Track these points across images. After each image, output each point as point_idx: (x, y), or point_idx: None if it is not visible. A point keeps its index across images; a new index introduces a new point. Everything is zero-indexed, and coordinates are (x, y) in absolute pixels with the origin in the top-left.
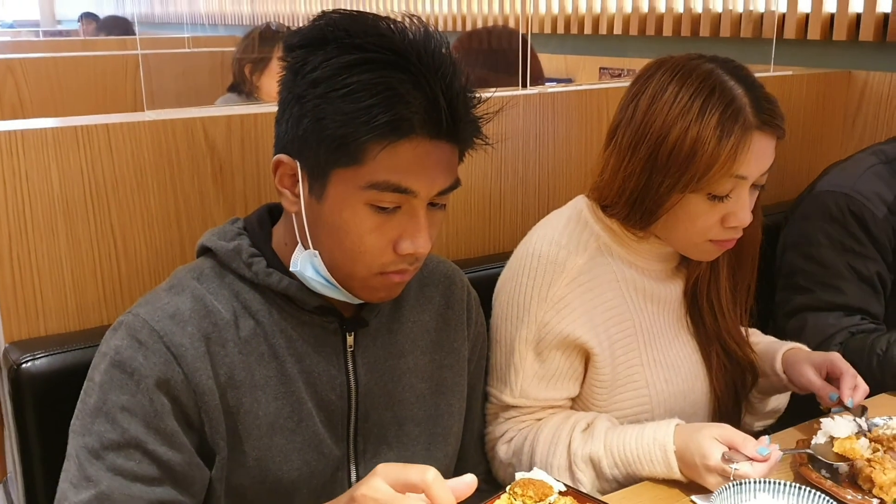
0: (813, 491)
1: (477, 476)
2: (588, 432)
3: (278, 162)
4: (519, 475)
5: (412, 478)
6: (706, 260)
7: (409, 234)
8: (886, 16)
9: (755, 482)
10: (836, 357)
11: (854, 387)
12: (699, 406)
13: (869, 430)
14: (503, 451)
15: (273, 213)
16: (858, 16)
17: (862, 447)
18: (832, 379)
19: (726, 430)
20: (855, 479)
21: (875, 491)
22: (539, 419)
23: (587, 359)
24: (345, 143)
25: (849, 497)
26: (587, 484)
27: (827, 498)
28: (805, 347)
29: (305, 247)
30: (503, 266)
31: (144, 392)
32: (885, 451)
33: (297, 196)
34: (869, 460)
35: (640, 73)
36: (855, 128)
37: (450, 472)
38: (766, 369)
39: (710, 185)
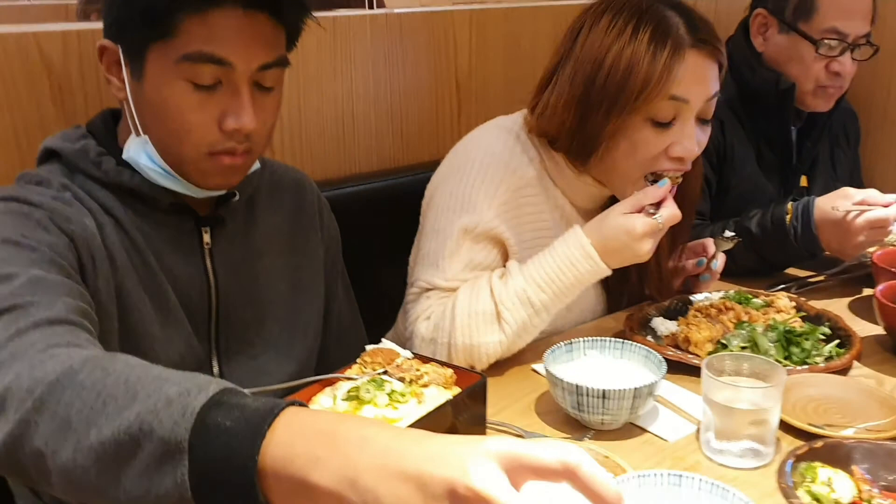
0: (642, 347)
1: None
2: (505, 276)
3: (102, 48)
4: (369, 347)
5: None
6: None
7: (233, 110)
8: None
9: (583, 341)
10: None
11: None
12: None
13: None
14: (423, 327)
15: (117, 116)
16: None
17: None
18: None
19: (626, 203)
20: (676, 341)
21: (691, 348)
22: None
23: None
24: (153, 13)
25: (669, 353)
26: (514, 323)
27: (648, 350)
28: None
29: (137, 134)
30: (359, 186)
31: (48, 228)
32: (703, 317)
33: (123, 82)
34: (687, 323)
35: (579, 13)
36: None
37: (310, 367)
38: None
39: (649, 108)
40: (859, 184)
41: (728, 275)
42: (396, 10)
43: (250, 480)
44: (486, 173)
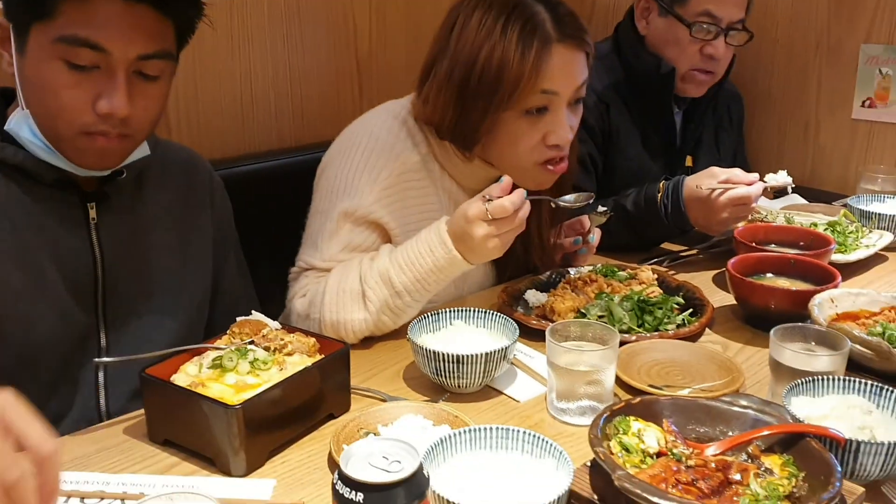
0: (502, 315)
1: None
2: (374, 258)
3: None
4: (239, 319)
5: (26, 433)
6: (544, 187)
7: (107, 94)
8: None
9: (451, 312)
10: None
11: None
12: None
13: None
14: (299, 304)
15: (7, 96)
16: None
17: None
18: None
19: (479, 195)
20: (544, 311)
21: (555, 318)
22: None
23: None
24: None
25: (533, 322)
26: (377, 302)
27: (506, 319)
28: None
29: (23, 108)
30: (257, 164)
31: None
32: (571, 289)
33: (13, 57)
34: (554, 294)
35: (453, 5)
36: None
37: (199, 337)
38: None
39: (522, 102)
40: (743, 164)
41: (606, 249)
42: None
43: None
44: (369, 158)
